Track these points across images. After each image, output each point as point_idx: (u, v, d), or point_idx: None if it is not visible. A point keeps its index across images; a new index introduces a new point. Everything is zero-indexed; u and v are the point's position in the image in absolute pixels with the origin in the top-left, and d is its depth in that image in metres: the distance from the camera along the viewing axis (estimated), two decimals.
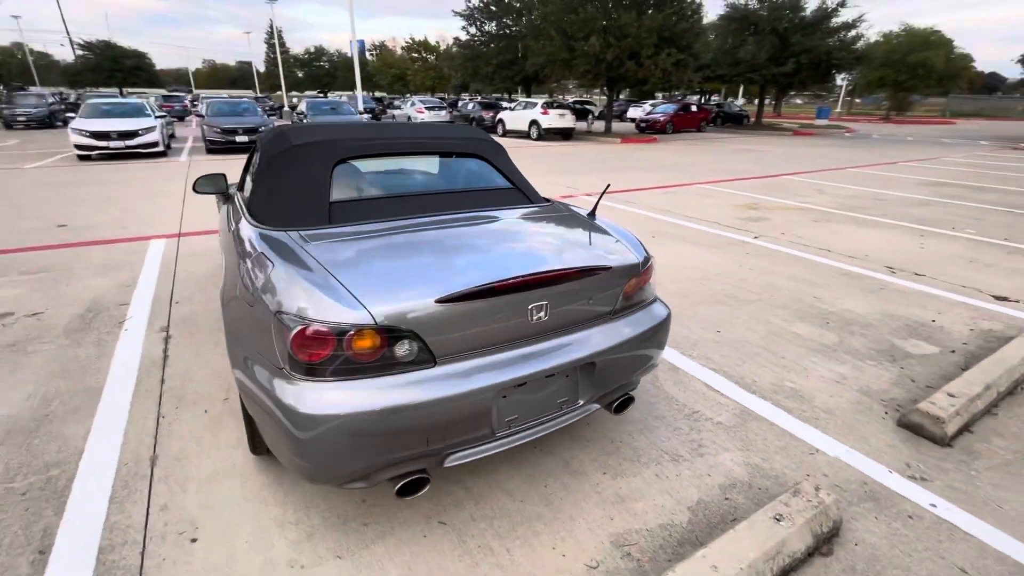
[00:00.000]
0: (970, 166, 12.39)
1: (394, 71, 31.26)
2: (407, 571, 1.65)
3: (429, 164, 2.60)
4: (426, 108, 19.00)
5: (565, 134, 18.23)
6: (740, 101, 30.48)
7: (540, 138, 17.74)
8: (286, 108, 26.99)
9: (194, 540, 1.74)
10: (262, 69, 53.53)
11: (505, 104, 20.65)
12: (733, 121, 27.01)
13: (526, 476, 2.07)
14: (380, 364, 1.50)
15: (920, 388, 2.76)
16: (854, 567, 1.69)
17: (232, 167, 10.16)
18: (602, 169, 11.05)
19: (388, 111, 23.94)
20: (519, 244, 2.03)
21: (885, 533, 1.83)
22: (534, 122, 17.72)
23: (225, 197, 3.09)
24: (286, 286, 1.56)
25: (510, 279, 1.59)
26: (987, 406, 2.57)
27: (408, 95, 36.01)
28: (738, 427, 2.40)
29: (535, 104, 18.04)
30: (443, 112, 19.38)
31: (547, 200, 2.56)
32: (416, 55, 28.28)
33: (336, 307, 1.47)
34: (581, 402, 1.85)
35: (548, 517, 1.88)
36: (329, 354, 1.46)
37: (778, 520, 1.72)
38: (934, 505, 1.96)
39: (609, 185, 3.00)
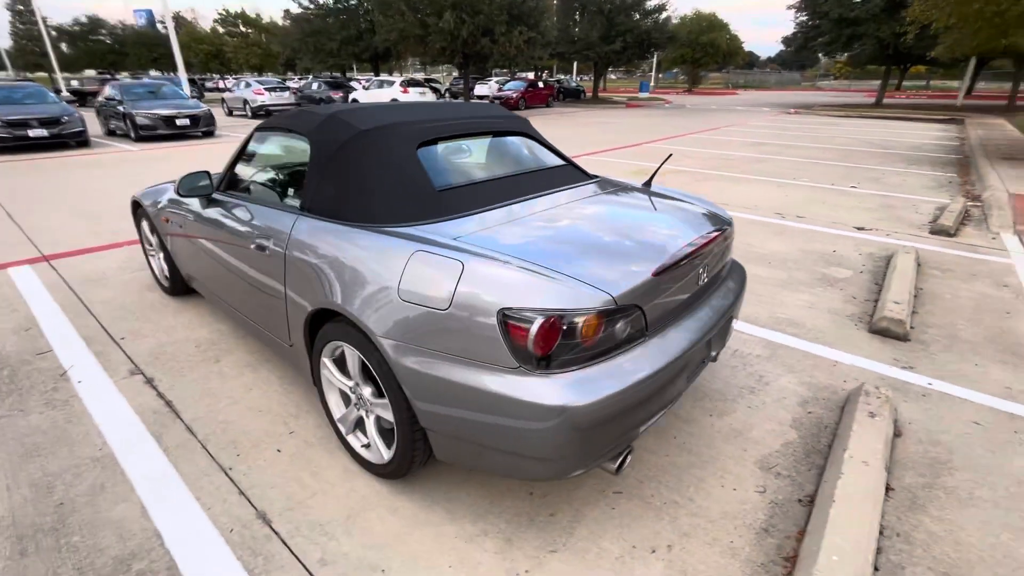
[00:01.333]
0: (770, 128, 15.22)
1: (205, 47, 26.68)
2: (623, 542, 1.70)
3: (480, 145, 2.48)
4: (267, 89, 16.88)
5: None
6: (575, 77, 32.88)
7: None
8: (64, 93, 21.80)
9: None
10: (6, 44, 41.45)
11: (356, 83, 19.33)
12: (572, 96, 29.02)
13: (652, 433, 2.21)
14: (608, 344, 1.49)
15: (862, 302, 3.52)
16: (918, 439, 2.20)
17: (22, 169, 8.03)
18: None
19: (206, 94, 20.68)
20: (657, 215, 2.09)
21: (918, 409, 2.38)
22: (393, 100, 16.96)
23: (208, 200, 2.55)
24: (506, 282, 1.45)
25: (699, 243, 1.69)
26: (912, 307, 3.40)
27: (229, 75, 31.49)
28: (773, 356, 2.84)
29: (392, 83, 17.26)
30: (287, 93, 17.43)
31: (594, 175, 2.64)
32: (234, 29, 24.51)
33: (576, 294, 1.42)
34: (713, 354, 2.04)
35: (697, 463, 2.06)
36: (565, 342, 1.41)
37: (873, 416, 2.14)
38: (930, 383, 2.59)
39: (671, 155, 3.26)
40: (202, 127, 11.98)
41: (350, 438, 2.01)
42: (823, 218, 5.56)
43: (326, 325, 1.88)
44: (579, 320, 1.40)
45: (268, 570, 1.58)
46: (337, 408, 2.05)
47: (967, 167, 9.02)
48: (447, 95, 21.04)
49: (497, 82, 29.76)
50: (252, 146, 2.50)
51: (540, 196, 2.10)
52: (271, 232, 2.09)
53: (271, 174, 2.51)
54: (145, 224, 3.46)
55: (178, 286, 3.36)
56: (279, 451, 2.09)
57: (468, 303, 1.46)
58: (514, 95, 22.11)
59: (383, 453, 1.84)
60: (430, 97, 17.57)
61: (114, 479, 1.93)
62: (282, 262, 2.00)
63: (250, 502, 1.83)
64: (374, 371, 1.70)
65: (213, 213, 2.52)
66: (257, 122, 17.84)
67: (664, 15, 23.64)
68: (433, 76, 27.53)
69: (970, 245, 4.79)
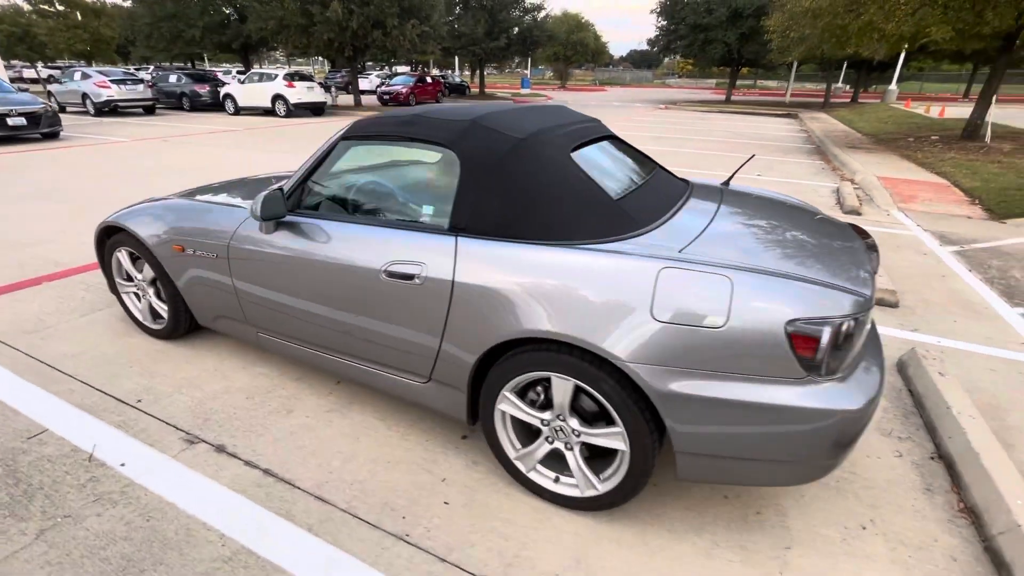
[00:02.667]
0: (658, 122, 16.62)
1: (6, 28, 21.04)
2: (835, 525, 1.80)
3: (596, 151, 2.35)
4: (113, 82, 14.15)
5: (317, 109, 16.46)
6: (458, 73, 32.71)
7: (289, 115, 15.58)
8: None
9: None
10: None
11: (227, 76, 17.11)
12: (457, 92, 28.85)
13: None
14: (850, 343, 1.55)
15: None
16: (966, 389, 2.63)
17: None
18: None
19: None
20: (806, 218, 2.17)
21: (950, 365, 2.84)
22: (279, 97, 15.38)
23: (276, 223, 2.13)
24: (785, 294, 1.43)
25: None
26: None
27: (42, 62, 25.78)
28: None
29: (274, 76, 15.60)
30: (140, 87, 14.82)
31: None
32: (48, 8, 19.70)
33: (844, 299, 1.45)
34: None
35: None
36: (838, 347, 1.45)
37: (943, 375, 2.51)
38: (940, 341, 3.10)
39: (753, 155, 3.42)
40: (43, 127, 9.76)
41: (533, 475, 1.85)
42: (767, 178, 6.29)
43: (512, 356, 1.70)
44: (851, 324, 1.45)
45: None
46: (512, 445, 1.86)
47: (825, 155, 10.77)
48: (333, 90, 19.60)
49: (379, 76, 28.52)
50: (338, 157, 2.13)
51: (690, 204, 2.09)
52: (418, 258, 1.81)
53: (380, 189, 2.15)
54: (123, 255, 2.77)
55: (181, 328, 2.75)
56: (447, 503, 1.84)
57: (746, 317, 1.43)
58: (404, 90, 21.35)
59: (596, 485, 1.73)
60: (319, 92, 16.24)
61: None
62: (445, 289, 1.75)
63: (463, 569, 1.60)
64: (604, 399, 1.58)
65: (288, 238, 2.10)
66: (103, 119, 15.07)
67: (542, 13, 24.55)
68: (299, 70, 25.22)
69: (876, 221, 5.76)
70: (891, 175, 8.05)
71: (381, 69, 34.54)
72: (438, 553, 1.65)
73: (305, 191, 2.18)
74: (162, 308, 2.77)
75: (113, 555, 1.61)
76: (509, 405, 1.80)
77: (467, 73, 34.47)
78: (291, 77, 15.51)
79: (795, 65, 25.59)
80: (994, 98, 10.37)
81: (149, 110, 15.68)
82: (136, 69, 25.44)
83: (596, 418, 1.71)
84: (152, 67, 27.33)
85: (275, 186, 2.12)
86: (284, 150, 9.67)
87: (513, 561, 1.63)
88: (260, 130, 12.67)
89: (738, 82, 46.63)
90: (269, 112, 15.96)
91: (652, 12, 24.98)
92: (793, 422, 1.44)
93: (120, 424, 2.19)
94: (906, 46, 11.31)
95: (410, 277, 1.82)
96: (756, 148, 11.11)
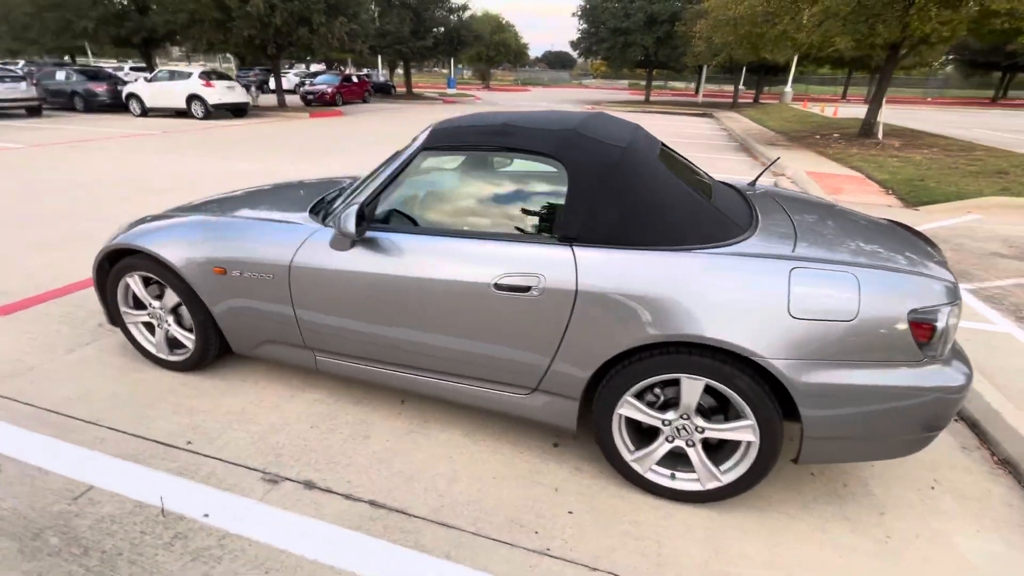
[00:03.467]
0: None
1: None
2: (922, 487, 2.02)
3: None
4: None
5: (238, 111, 15.28)
6: (382, 72, 31.67)
7: (208, 116, 14.34)
8: None
9: None
10: None
11: (120, 74, 15.35)
12: (382, 91, 28.02)
13: None
14: (954, 328, 1.74)
15: None
16: None
17: None
18: (345, 147, 10.23)
19: None
20: (850, 214, 2.35)
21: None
22: (196, 97, 14.10)
23: (352, 240, 2.00)
24: (903, 286, 1.59)
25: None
26: None
27: None
28: None
29: (188, 74, 14.28)
30: (23, 85, 12.88)
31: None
32: None
33: (947, 288, 1.64)
34: None
35: None
36: (943, 331, 1.63)
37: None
38: None
39: (778, 158, 3.58)
40: None
41: (650, 475, 1.90)
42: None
43: (636, 361, 1.74)
44: (954, 310, 1.64)
45: None
46: (627, 448, 1.90)
47: (750, 152, 11.73)
48: (253, 89, 18.26)
49: (297, 75, 27.01)
50: (417, 168, 2.04)
51: (759, 205, 2.22)
52: (533, 269, 1.79)
53: (469, 200, 2.07)
54: (134, 281, 2.45)
55: (209, 357, 2.49)
56: (571, 512, 1.84)
57: (874, 310, 1.57)
58: (329, 90, 20.41)
59: (718, 477, 1.81)
60: (240, 91, 15.08)
61: None
62: (567, 300, 1.75)
63: (617, 574, 1.62)
64: (737, 395, 1.67)
65: (369, 256, 1.98)
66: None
67: (468, 13, 24.48)
68: (216, 67, 23.04)
69: None
70: (813, 169, 8.94)
71: (291, 67, 32.58)
72: (586, 563, 1.65)
73: (380, 204, 2.06)
74: (186, 337, 2.49)
75: None
76: (629, 409, 1.83)
77: (385, 72, 33.49)
78: (208, 76, 14.28)
79: (704, 68, 27.58)
80: (883, 100, 11.86)
81: (34, 111, 13.72)
82: (1, 63, 22.26)
83: (713, 413, 1.80)
84: (22, 62, 23.94)
85: (345, 199, 2.00)
86: (226, 155, 8.93)
87: (659, 560, 1.68)
88: (182, 134, 11.57)
89: (648, 83, 49.46)
90: (182, 114, 14.59)
91: (574, 15, 25.87)
92: (912, 400, 1.60)
93: (179, 470, 1.96)
94: (813, 52, 12.59)
95: (525, 289, 1.79)
96: (690, 146, 11.86)
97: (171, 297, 2.42)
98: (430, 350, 2.02)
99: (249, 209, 2.46)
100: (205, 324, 2.40)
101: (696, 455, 1.83)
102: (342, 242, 2.02)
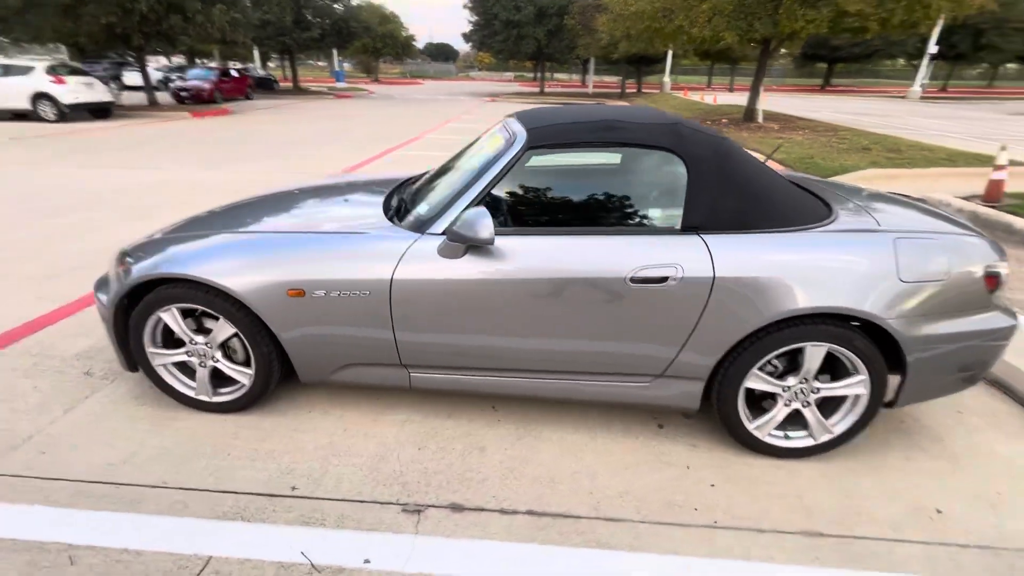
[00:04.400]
0: (503, 113, 17.33)
1: None
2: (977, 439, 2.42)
3: None
4: None
5: (100, 111, 13.12)
6: (259, 65, 28.81)
7: (63, 118, 12.14)
8: None
9: None
10: None
11: None
12: (264, 87, 25.68)
13: None
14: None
15: None
16: None
17: None
18: (266, 150, 9.34)
19: None
20: (861, 190, 2.67)
21: None
22: (44, 96, 11.85)
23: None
24: (976, 247, 1.91)
25: None
26: None
27: None
28: None
29: (29, 68, 11.93)
30: None
31: None
32: None
33: (997, 247, 1.98)
34: None
35: None
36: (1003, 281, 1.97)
37: None
38: None
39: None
40: None
41: (768, 439, 2.07)
42: None
43: (765, 337, 1.88)
44: (1006, 262, 1.99)
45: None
46: (747, 418, 2.04)
47: None
48: (112, 86, 15.73)
49: (160, 69, 23.83)
50: (521, 168, 1.98)
51: (813, 187, 2.47)
52: (667, 260, 1.84)
53: (580, 197, 2.03)
54: (170, 316, 2.08)
55: (268, 392, 2.21)
56: (713, 485, 1.95)
57: (960, 269, 1.86)
58: (207, 86, 18.28)
59: (831, 430, 2.02)
60: (100, 89, 12.94)
61: None
62: (704, 287, 1.83)
63: (788, 531, 1.75)
64: (854, 355, 1.88)
65: (484, 262, 1.89)
66: None
67: (355, 1, 23.22)
68: (65, 61, 19.09)
69: None
70: None
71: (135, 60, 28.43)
72: (753, 527, 1.77)
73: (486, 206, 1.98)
74: (241, 372, 2.18)
75: None
76: (755, 381, 1.98)
77: (255, 65, 30.69)
78: (57, 70, 12.06)
79: (592, 60, 29.07)
80: (761, 88, 13.45)
81: None
82: None
83: (821, 373, 2.01)
84: None
85: (446, 204, 1.91)
86: (124, 164, 7.67)
87: (808, 510, 1.85)
88: (39, 140, 9.70)
89: (540, 75, 50.90)
90: (23, 116, 12.18)
91: (465, 7, 25.73)
92: (981, 341, 1.93)
93: (303, 520, 1.74)
94: (706, 46, 13.86)
95: (662, 280, 1.85)
96: None
97: (223, 329, 2.10)
98: (552, 351, 2.00)
99: (297, 220, 2.22)
100: (269, 355, 2.12)
101: (811, 414, 2.03)
102: (454, 249, 1.91)
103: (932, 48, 28.00)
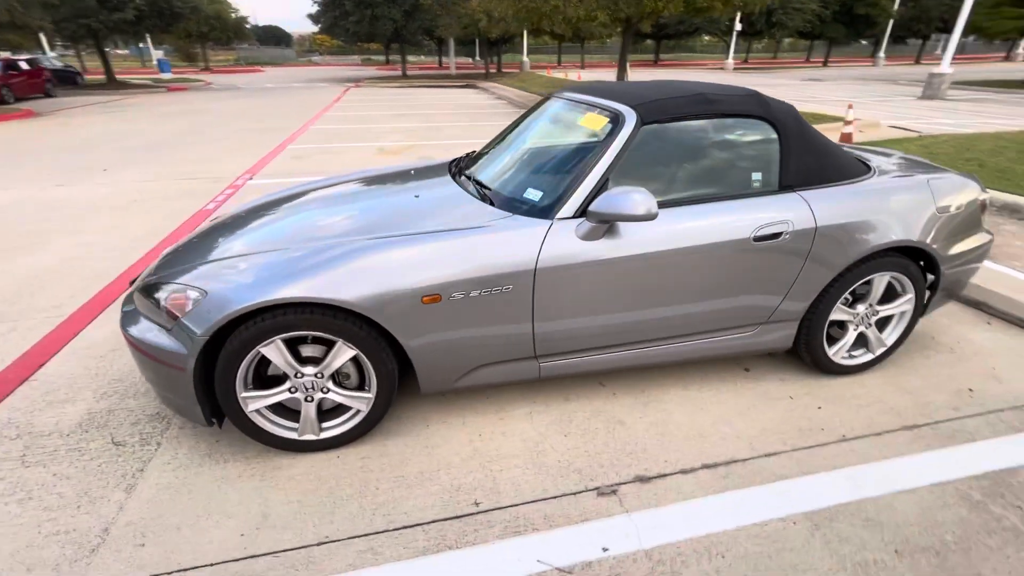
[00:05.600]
0: (377, 100, 16.40)
1: None
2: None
3: None
4: None
5: None
6: (51, 54, 23.12)
7: None
8: None
9: None
10: None
11: None
12: (66, 82, 21.01)
13: None
14: None
15: None
16: None
17: None
18: (106, 161, 7.81)
19: None
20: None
21: None
22: None
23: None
24: (971, 184, 2.41)
25: None
26: None
27: None
28: None
29: None
30: None
31: None
32: None
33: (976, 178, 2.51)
34: None
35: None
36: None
37: None
38: None
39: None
40: None
41: (843, 361, 2.43)
42: None
43: (848, 272, 2.20)
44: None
45: None
46: (827, 345, 2.37)
47: None
48: None
49: None
50: (638, 144, 2.01)
51: None
52: (780, 217, 2.04)
53: (686, 167, 2.09)
54: (275, 350, 1.76)
55: (384, 413, 2.00)
56: (820, 408, 2.24)
57: (969, 199, 2.35)
58: None
59: (885, 343, 2.44)
60: None
61: None
62: (808, 237, 2.07)
63: (935, 423, 2.11)
64: (908, 279, 2.29)
65: (620, 239, 1.91)
66: None
67: None
68: None
69: None
70: None
71: None
72: (871, 432, 2.09)
73: (608, 185, 1.98)
74: (355, 398, 1.93)
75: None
76: (837, 313, 2.30)
77: (55, 55, 25.02)
78: None
79: (452, 41, 28.72)
80: (627, 64, 14.59)
81: None
82: None
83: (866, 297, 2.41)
84: None
85: (568, 186, 1.91)
86: None
87: (896, 412, 2.23)
88: None
89: (392, 57, 48.73)
90: None
91: None
92: (979, 254, 2.47)
93: (512, 531, 1.65)
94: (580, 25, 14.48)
95: (777, 236, 2.05)
96: (486, 116, 12.58)
97: (341, 353, 1.84)
98: (679, 316, 2.11)
99: (383, 222, 2.02)
100: (393, 372, 1.92)
101: (872, 333, 2.42)
102: (596, 230, 1.90)
103: (738, 26, 32.64)
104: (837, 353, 2.41)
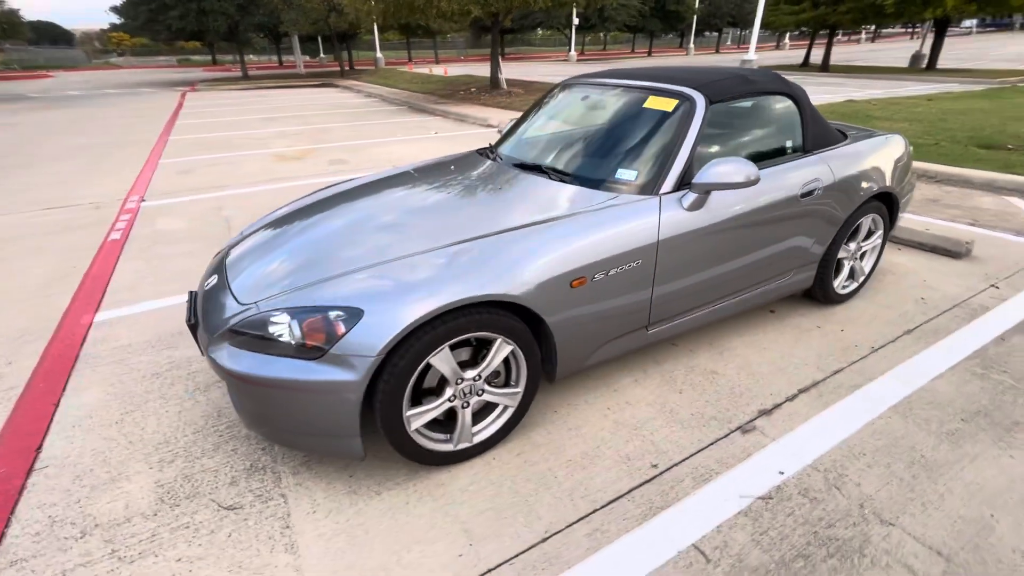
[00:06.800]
0: (231, 105, 14.61)
1: None
2: None
3: None
4: None
5: None
6: None
7: None
8: None
9: None
10: None
11: None
12: None
13: None
14: None
15: None
16: None
17: None
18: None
19: None
20: None
21: None
22: None
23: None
24: (903, 138, 3.03)
25: None
26: None
27: None
28: None
29: None
30: None
31: None
32: None
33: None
34: None
35: None
36: None
37: None
38: None
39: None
40: None
41: (841, 291, 2.96)
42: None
43: (855, 216, 2.71)
44: None
45: None
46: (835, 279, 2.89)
47: (425, 111, 12.85)
48: None
49: None
50: (707, 121, 2.24)
51: None
52: (812, 176, 2.45)
53: (737, 137, 2.39)
54: (439, 361, 1.66)
55: (528, 407, 1.98)
56: (844, 332, 2.73)
57: (904, 153, 3.00)
58: None
59: (864, 270, 3.03)
60: None
61: None
62: (831, 191, 2.51)
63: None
64: (881, 217, 2.88)
65: (711, 207, 2.14)
66: None
67: None
68: None
69: None
70: (504, 115, 10.94)
71: None
72: (885, 342, 2.62)
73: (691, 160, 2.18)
74: (505, 396, 1.89)
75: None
76: (842, 252, 2.81)
77: None
78: None
79: (296, 39, 26.59)
80: (500, 58, 14.98)
81: None
82: None
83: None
84: None
85: (668, 164, 2.13)
86: None
87: (903, 320, 2.80)
88: None
89: (220, 58, 43.31)
90: None
91: None
92: (911, 195, 3.18)
93: (701, 478, 1.79)
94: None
95: (813, 192, 2.44)
96: (367, 114, 12.08)
97: (501, 351, 1.79)
98: (750, 270, 2.40)
99: (490, 211, 2.02)
100: (539, 364, 1.92)
101: (858, 266, 2.99)
102: (700, 200, 2.09)
103: (576, 20, 35.15)
104: (838, 285, 2.94)
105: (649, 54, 44.02)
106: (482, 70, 25.27)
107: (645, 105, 2.41)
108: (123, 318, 3.02)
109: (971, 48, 30.16)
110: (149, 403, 2.28)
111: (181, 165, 7.06)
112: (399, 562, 1.54)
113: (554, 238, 1.86)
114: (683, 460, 1.90)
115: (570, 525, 1.65)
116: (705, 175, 2.03)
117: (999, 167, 5.54)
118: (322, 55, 36.29)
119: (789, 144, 2.59)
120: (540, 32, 58.37)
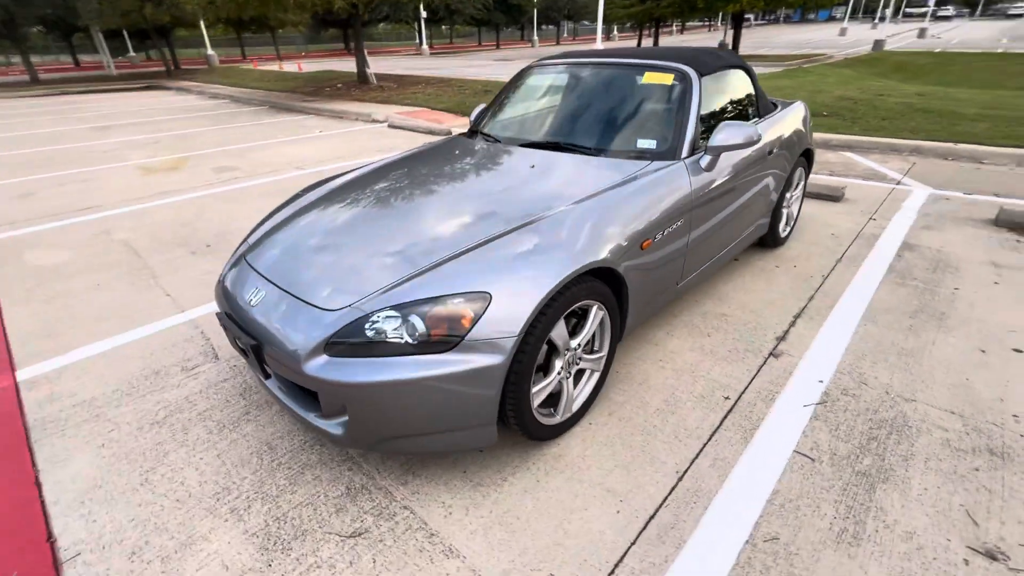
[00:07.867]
0: (48, 115, 11.94)
1: None
2: None
3: None
4: None
5: None
6: None
7: None
8: None
9: None
10: None
11: None
12: None
13: None
14: None
15: None
16: None
17: None
18: None
19: None
20: None
21: None
22: None
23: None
24: (799, 106, 3.65)
25: None
26: None
27: None
28: None
29: None
30: None
31: None
32: None
33: None
34: None
35: None
36: None
37: None
38: None
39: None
40: None
41: (782, 234, 3.50)
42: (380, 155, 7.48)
43: (793, 169, 3.22)
44: None
45: None
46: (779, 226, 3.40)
47: (293, 111, 11.91)
48: None
49: None
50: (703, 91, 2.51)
51: None
52: (767, 139, 2.86)
53: (726, 105, 2.74)
54: (555, 335, 1.66)
55: (606, 376, 2.08)
56: (796, 266, 3.25)
57: (808, 115, 3.61)
58: None
59: (793, 216, 3.63)
60: None
61: None
62: (783, 149, 2.97)
63: None
64: (804, 169, 3.45)
65: (721, 164, 2.44)
66: None
67: None
68: None
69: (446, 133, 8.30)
70: (387, 109, 10.58)
71: None
72: (822, 273, 3.19)
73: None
74: (595, 361, 1.97)
75: None
76: (786, 201, 3.33)
77: None
78: None
79: (101, 35, 22.38)
80: (366, 53, 14.31)
81: None
82: None
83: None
84: None
85: (686, 132, 2.36)
86: None
87: (838, 246, 3.41)
88: None
89: (24, 56, 34.50)
90: None
91: None
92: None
93: (765, 402, 2.06)
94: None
95: (772, 151, 2.89)
96: (220, 119, 10.83)
97: (596, 318, 1.85)
98: (737, 222, 2.75)
99: (543, 187, 2.09)
100: (620, 326, 2.02)
101: (791, 211, 3.56)
102: (715, 159, 2.34)
103: (424, 13, 34.76)
104: (782, 230, 3.48)
105: (497, 47, 45.28)
106: (337, 65, 23.92)
107: (643, 81, 2.60)
108: (61, 370, 2.44)
109: (755, 38, 36.15)
110: (170, 455, 1.92)
111: (13, 188, 5.69)
112: (567, 533, 1.56)
113: (622, 204, 1.97)
114: (744, 390, 2.16)
115: (692, 461, 1.80)
116: (717, 138, 2.29)
117: (825, 129, 6.87)
118: (132, 53, 31.00)
119: (751, 111, 3.00)
120: (381, 27, 56.63)
